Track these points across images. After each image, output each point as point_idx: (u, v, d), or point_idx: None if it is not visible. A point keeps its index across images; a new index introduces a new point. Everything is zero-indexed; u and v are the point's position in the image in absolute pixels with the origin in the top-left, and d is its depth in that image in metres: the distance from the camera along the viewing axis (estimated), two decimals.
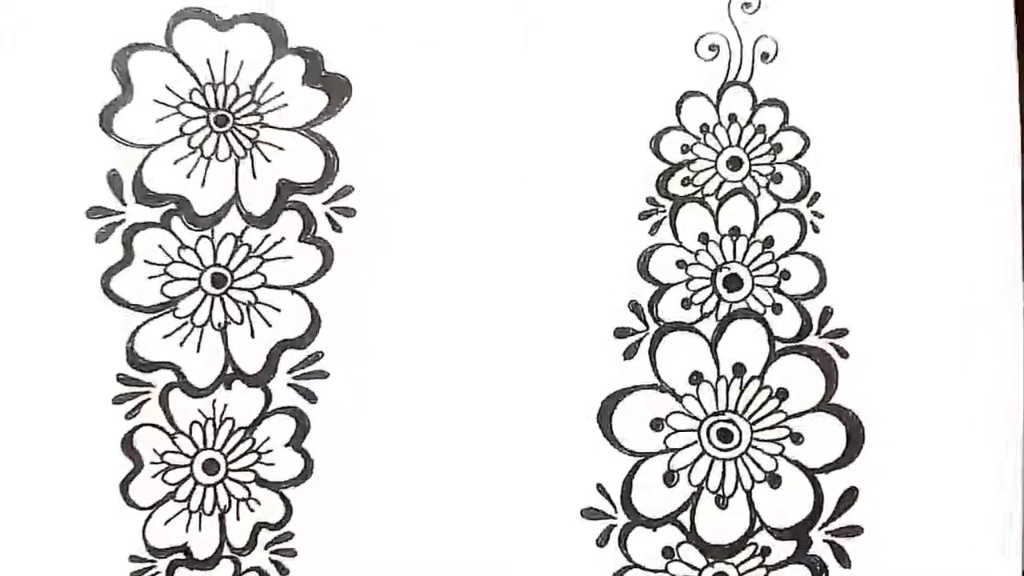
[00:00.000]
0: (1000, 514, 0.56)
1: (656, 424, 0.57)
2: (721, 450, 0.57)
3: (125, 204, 0.57)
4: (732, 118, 0.59)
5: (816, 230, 0.58)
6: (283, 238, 0.58)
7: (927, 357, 0.57)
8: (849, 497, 0.57)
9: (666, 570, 0.57)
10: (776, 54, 0.58)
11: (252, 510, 0.57)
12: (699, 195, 0.59)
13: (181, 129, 0.58)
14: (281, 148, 0.58)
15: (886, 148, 0.58)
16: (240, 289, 0.57)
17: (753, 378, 0.57)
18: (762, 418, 0.57)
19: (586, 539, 0.57)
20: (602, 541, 0.57)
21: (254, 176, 0.58)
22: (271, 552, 0.57)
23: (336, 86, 0.58)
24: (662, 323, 0.58)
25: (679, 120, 0.59)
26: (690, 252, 0.58)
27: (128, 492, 0.56)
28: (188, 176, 0.57)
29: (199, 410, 0.57)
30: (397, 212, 0.58)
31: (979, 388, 0.56)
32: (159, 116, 0.57)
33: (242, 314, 0.57)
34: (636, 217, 0.58)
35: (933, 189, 0.57)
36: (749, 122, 0.59)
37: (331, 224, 0.58)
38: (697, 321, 0.58)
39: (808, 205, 0.58)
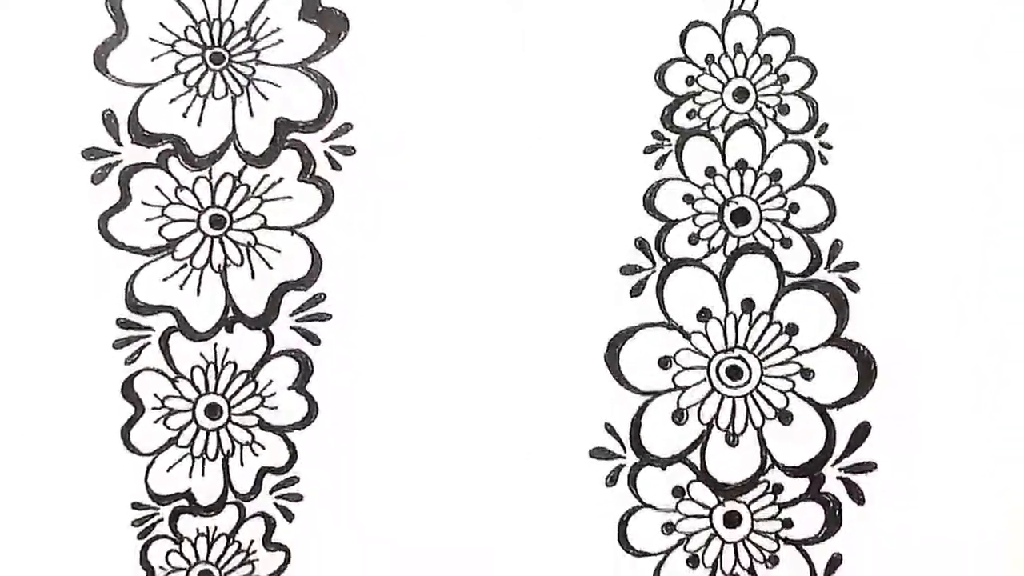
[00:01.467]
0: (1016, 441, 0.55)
1: (664, 362, 0.57)
2: (731, 387, 0.56)
3: (121, 144, 0.56)
4: (738, 48, 0.58)
5: (824, 162, 0.57)
6: (282, 178, 0.57)
7: (939, 290, 0.56)
8: (861, 433, 0.56)
9: (676, 509, 0.56)
10: None
11: (256, 455, 0.56)
12: (705, 128, 0.58)
13: (176, 67, 0.57)
14: (278, 85, 0.57)
15: (895, 76, 0.57)
16: (239, 230, 0.56)
17: (762, 314, 0.57)
18: (772, 354, 0.56)
19: (595, 479, 0.56)
20: (611, 481, 0.57)
21: (251, 114, 0.57)
22: (276, 497, 0.56)
23: (333, 21, 0.57)
24: (669, 260, 0.57)
25: (684, 51, 0.58)
26: (697, 186, 0.57)
27: (129, 438, 0.56)
28: (184, 115, 0.56)
29: (200, 354, 0.56)
30: (397, 150, 0.57)
31: (993, 318, 0.55)
32: (154, 54, 0.56)
33: (242, 256, 0.56)
34: (641, 151, 0.57)
35: (944, 118, 0.56)
36: (755, 52, 0.58)
37: (331, 163, 0.57)
38: (705, 257, 0.57)
39: (816, 136, 0.57)
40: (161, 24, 0.56)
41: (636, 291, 0.57)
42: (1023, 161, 0.56)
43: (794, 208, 0.57)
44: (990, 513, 0.55)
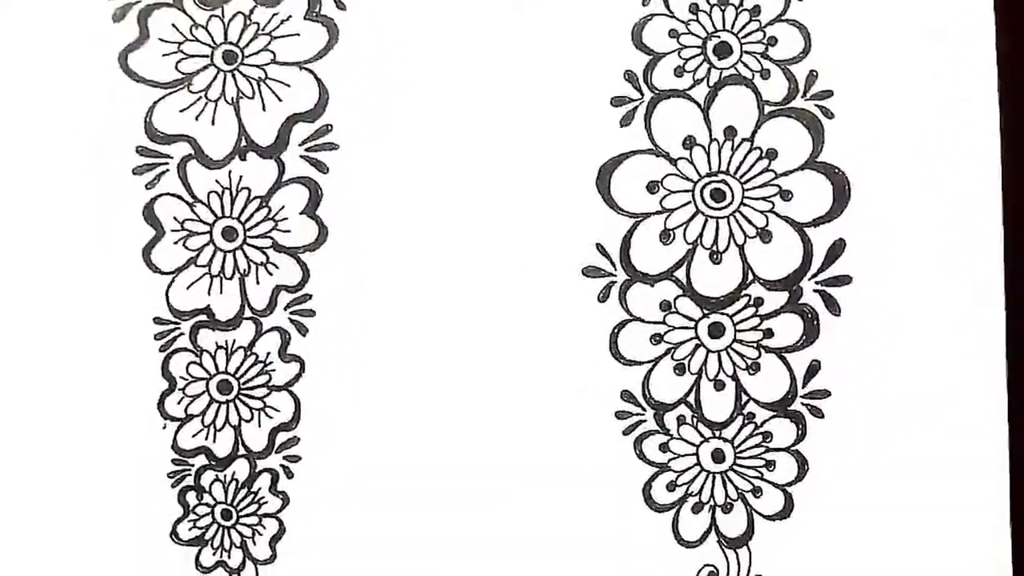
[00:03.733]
0: (983, 256, 0.59)
1: (652, 186, 0.60)
2: (714, 209, 0.60)
3: None
4: None
5: None
6: (290, 16, 0.60)
7: (909, 113, 0.59)
8: (837, 249, 0.59)
9: (664, 322, 0.60)
10: None
11: (271, 274, 0.60)
12: None
13: None
14: None
15: None
16: (250, 65, 0.60)
17: (744, 140, 0.60)
18: (753, 177, 0.60)
19: (588, 296, 0.60)
20: (603, 297, 0.60)
21: None
22: (291, 313, 0.60)
23: None
24: (656, 91, 0.60)
25: None
26: (681, 22, 0.61)
27: (151, 258, 0.59)
28: None
29: (216, 180, 0.60)
30: None
31: (958, 139, 0.59)
32: None
33: (253, 89, 0.60)
34: None
35: None
36: None
37: (335, 2, 0.60)
38: (690, 88, 0.61)
39: None
40: None
41: (626, 121, 0.60)
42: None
43: (772, 41, 0.61)
44: (955, 319, 0.59)
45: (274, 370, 0.60)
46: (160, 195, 0.59)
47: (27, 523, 0.59)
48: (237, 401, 0.60)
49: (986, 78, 0.59)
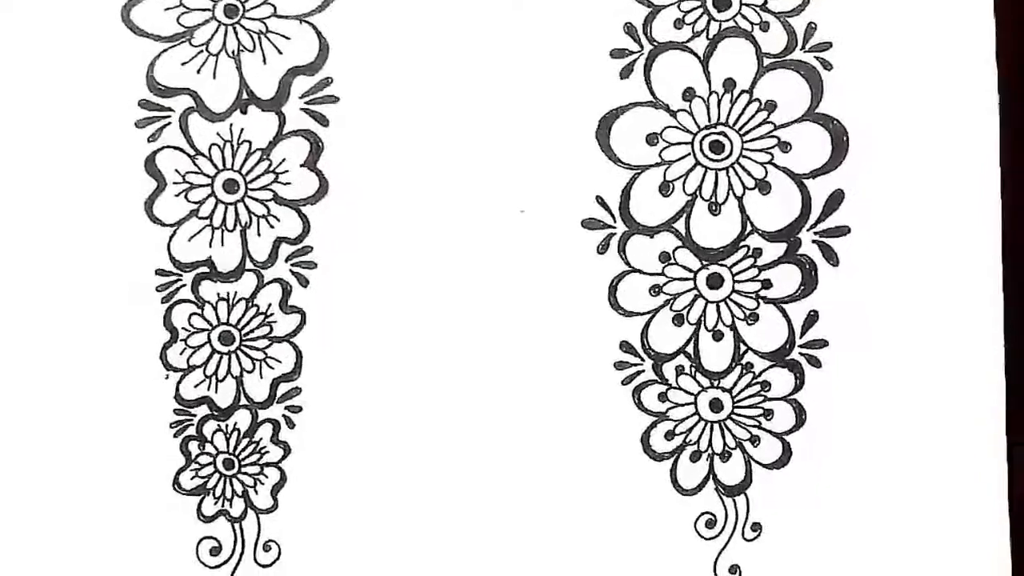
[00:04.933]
0: (980, 205, 0.59)
1: (651, 139, 0.60)
2: (713, 160, 0.60)
3: None
4: None
5: None
6: None
7: (907, 64, 0.59)
8: (835, 199, 0.60)
9: (663, 273, 0.60)
10: None
11: (272, 226, 0.60)
12: None
13: None
14: None
15: None
16: (251, 19, 0.60)
17: (743, 92, 0.60)
18: (752, 129, 0.60)
19: (587, 247, 0.60)
20: (602, 249, 0.60)
21: None
22: (291, 265, 0.60)
23: None
24: (656, 43, 0.61)
25: None
26: None
27: (153, 209, 0.60)
28: None
29: (217, 133, 0.60)
30: None
31: (956, 90, 0.59)
32: None
33: (254, 42, 0.60)
34: None
35: None
36: None
37: None
38: (689, 40, 0.61)
39: None
40: None
41: (625, 73, 0.61)
42: None
43: None
44: (952, 269, 0.59)
45: (275, 321, 0.60)
46: (162, 148, 0.60)
47: (29, 472, 0.60)
48: (239, 352, 0.60)
49: (984, 27, 0.59)
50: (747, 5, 0.60)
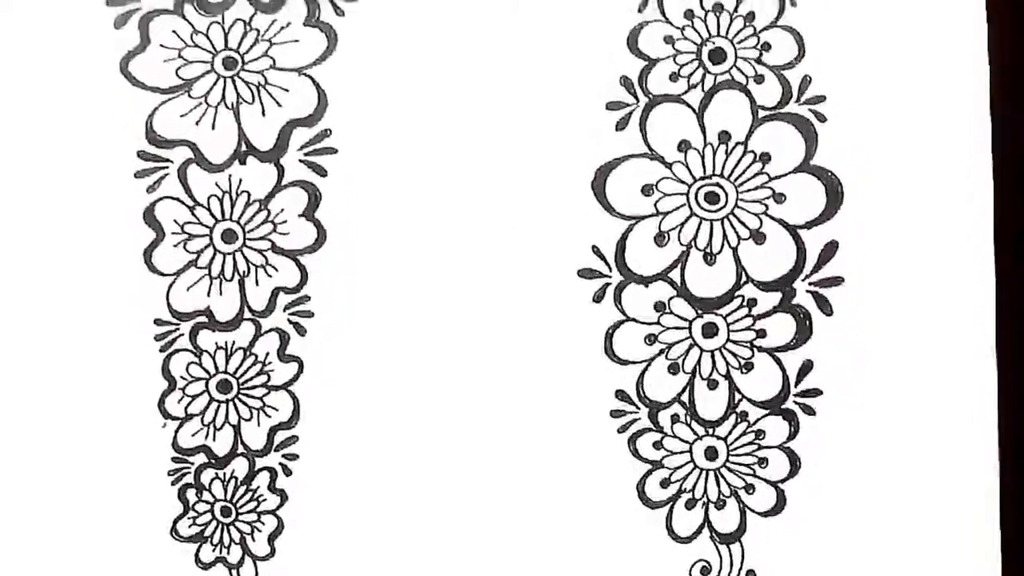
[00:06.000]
0: (974, 257, 0.59)
1: (647, 189, 0.61)
2: (708, 211, 0.61)
3: None
4: None
5: (794, 4, 0.61)
6: (289, 23, 0.61)
7: (901, 117, 0.60)
8: (830, 250, 0.60)
9: (658, 322, 0.61)
10: None
11: (270, 276, 0.61)
12: None
13: None
14: None
15: None
16: (250, 71, 0.61)
17: (738, 144, 0.61)
18: (747, 180, 0.61)
19: (583, 296, 0.61)
20: (598, 298, 0.61)
21: None
22: (289, 314, 0.61)
23: None
24: (651, 96, 0.61)
25: None
26: (677, 28, 0.62)
27: (151, 260, 0.60)
28: None
29: (216, 184, 0.61)
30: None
31: (949, 142, 0.60)
32: None
33: (253, 94, 0.61)
34: None
35: None
36: None
37: (334, 9, 0.61)
38: (684, 93, 0.61)
39: None
40: None
41: (621, 125, 0.61)
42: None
43: (766, 47, 0.61)
44: (946, 320, 0.60)
45: (273, 370, 0.60)
46: (161, 198, 0.60)
47: (28, 520, 0.60)
48: (236, 400, 0.61)
49: (978, 82, 0.60)
50: (742, 58, 0.61)
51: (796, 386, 0.61)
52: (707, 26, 0.62)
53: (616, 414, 0.61)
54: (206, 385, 0.61)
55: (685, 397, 0.61)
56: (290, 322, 0.61)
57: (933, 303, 0.60)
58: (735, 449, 0.61)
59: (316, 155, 0.61)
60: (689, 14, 0.62)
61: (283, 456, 0.61)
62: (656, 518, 0.62)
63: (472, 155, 0.60)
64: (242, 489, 0.61)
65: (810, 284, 0.61)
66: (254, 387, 0.61)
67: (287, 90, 0.61)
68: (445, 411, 0.60)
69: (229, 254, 0.60)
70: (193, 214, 0.60)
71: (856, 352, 0.60)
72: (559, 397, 0.61)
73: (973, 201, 0.60)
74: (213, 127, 0.60)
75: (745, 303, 0.61)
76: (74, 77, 0.60)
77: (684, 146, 0.61)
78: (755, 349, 0.61)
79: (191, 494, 0.61)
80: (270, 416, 0.61)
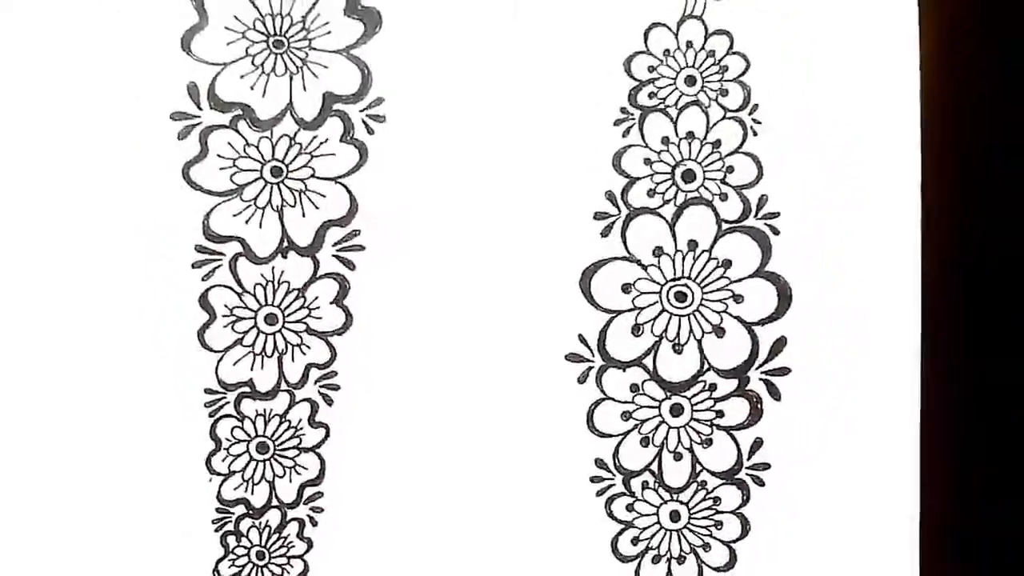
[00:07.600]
0: (900, 352, 0.70)
1: (626, 288, 0.71)
2: (678, 308, 0.71)
3: (201, 110, 0.70)
4: (688, 44, 0.73)
5: (755, 134, 0.71)
6: (327, 139, 0.71)
7: (843, 233, 0.70)
8: (780, 344, 0.70)
9: (633, 401, 0.71)
10: None
11: (304, 353, 0.70)
12: (662, 106, 0.72)
13: (246, 51, 0.71)
14: (326, 66, 0.71)
15: (815, 66, 0.71)
16: (293, 179, 0.71)
17: (703, 251, 0.71)
18: (711, 283, 0.71)
19: (569, 377, 0.71)
20: (582, 379, 0.71)
21: (304, 89, 0.70)
22: (319, 387, 0.70)
23: (370, 16, 0.72)
24: (631, 208, 0.71)
25: (646, 45, 0.73)
26: (654, 152, 0.72)
27: (204, 338, 0.70)
28: (252, 88, 0.70)
29: (261, 274, 0.70)
30: (419, 120, 0.72)
31: (880, 257, 0.70)
32: (228, 40, 0.71)
33: (295, 199, 0.71)
34: (612, 123, 0.72)
35: (845, 101, 0.71)
36: (702, 48, 0.72)
37: (366, 128, 0.71)
38: (660, 207, 0.71)
39: (749, 114, 0.71)
40: (235, 17, 0.71)
41: (605, 232, 0.71)
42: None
43: (730, 169, 0.71)
44: (875, 407, 0.70)
45: (304, 434, 0.70)
46: (214, 286, 0.70)
47: (93, 564, 0.70)
48: (272, 460, 0.71)
49: (908, 205, 0.70)
50: (709, 179, 0.71)
51: (748, 460, 0.71)
52: (680, 151, 0.72)
53: (595, 480, 0.71)
54: (247, 446, 0.70)
55: (654, 467, 0.72)
56: (320, 393, 0.70)
57: (867, 393, 0.70)
58: (695, 513, 0.71)
59: (347, 251, 0.70)
60: (665, 140, 0.72)
61: (311, 509, 0.71)
62: (627, 571, 0.71)
63: (478, 256, 0.70)
64: (275, 537, 0.71)
65: (762, 373, 0.70)
66: (287, 449, 0.71)
67: (324, 196, 0.71)
68: (451, 473, 0.70)
69: (270, 334, 0.70)
70: (241, 299, 0.70)
71: (800, 432, 0.70)
72: (546, 464, 0.70)
73: (903, 302, 0.70)
74: (260, 226, 0.70)
75: (707, 387, 0.71)
76: (142, 182, 0.70)
77: (658, 251, 0.71)
78: (714, 427, 0.71)
79: (231, 540, 0.71)
80: (300, 474, 0.71)
